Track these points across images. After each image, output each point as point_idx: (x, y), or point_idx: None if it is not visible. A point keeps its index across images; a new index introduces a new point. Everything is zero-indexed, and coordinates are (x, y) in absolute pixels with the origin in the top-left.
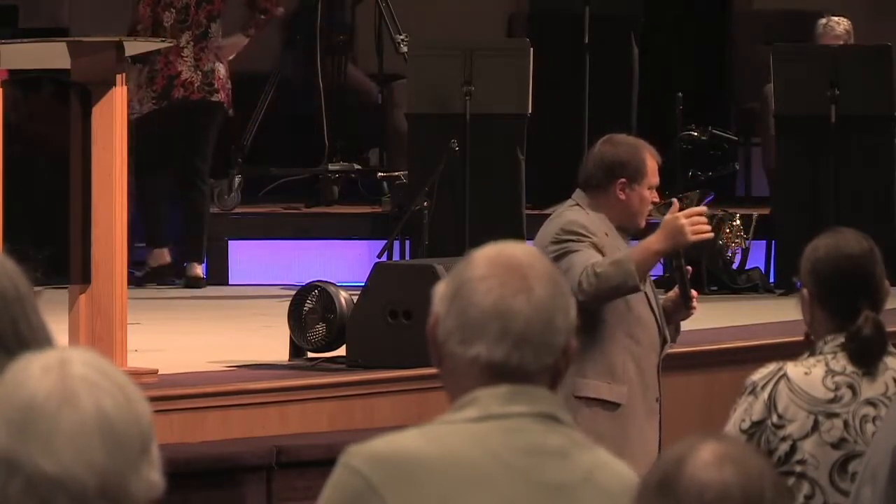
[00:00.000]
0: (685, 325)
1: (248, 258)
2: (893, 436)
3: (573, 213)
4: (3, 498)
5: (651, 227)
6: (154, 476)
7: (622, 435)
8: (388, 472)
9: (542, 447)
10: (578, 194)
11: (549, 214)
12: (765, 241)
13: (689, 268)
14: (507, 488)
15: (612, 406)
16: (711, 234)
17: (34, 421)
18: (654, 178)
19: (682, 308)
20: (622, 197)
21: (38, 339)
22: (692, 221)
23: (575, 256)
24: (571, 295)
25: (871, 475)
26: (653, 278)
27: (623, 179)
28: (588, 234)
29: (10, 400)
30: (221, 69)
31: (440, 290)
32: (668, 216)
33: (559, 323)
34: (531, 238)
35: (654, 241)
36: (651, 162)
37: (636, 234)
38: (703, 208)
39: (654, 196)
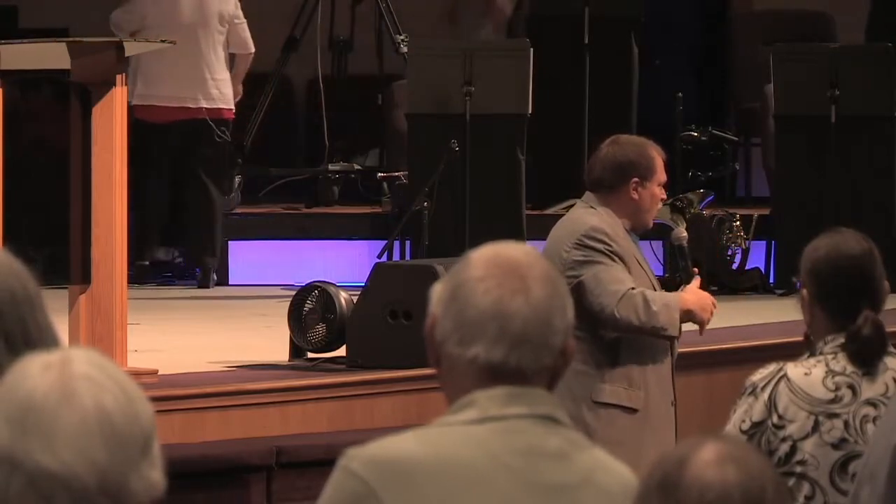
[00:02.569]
0: (687, 325)
1: (248, 258)
2: (891, 435)
3: (592, 217)
4: (4, 495)
5: (657, 227)
6: (155, 475)
7: (638, 440)
8: (386, 475)
9: (540, 449)
10: (590, 196)
11: (549, 214)
12: (765, 242)
13: (696, 270)
14: (507, 490)
15: (629, 411)
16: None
17: (33, 418)
18: (662, 174)
19: None
20: (635, 196)
21: (45, 339)
22: (711, 308)
23: (604, 270)
24: (569, 296)
25: (869, 474)
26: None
27: (636, 179)
28: (611, 242)
29: (10, 398)
30: None
31: (438, 291)
32: (693, 286)
33: (557, 323)
34: (532, 238)
35: (688, 300)
36: (658, 159)
37: (643, 234)
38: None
39: (661, 193)
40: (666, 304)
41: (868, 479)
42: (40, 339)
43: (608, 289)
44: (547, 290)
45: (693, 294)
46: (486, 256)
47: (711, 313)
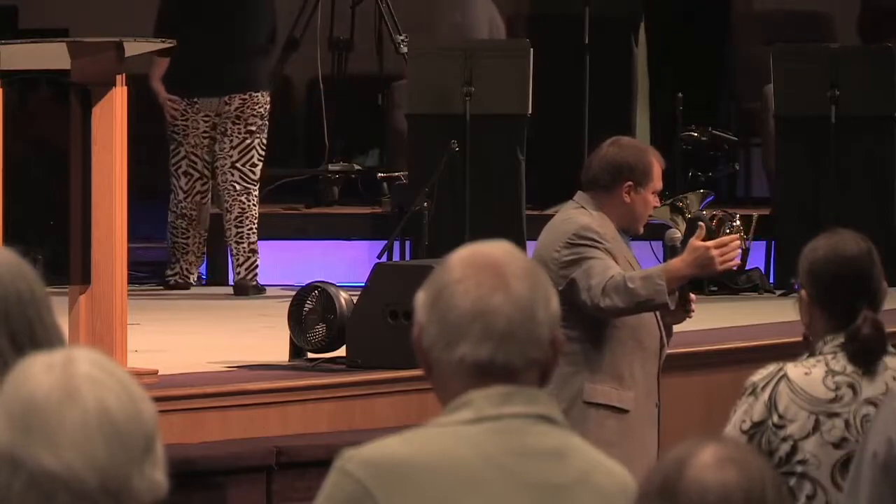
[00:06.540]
0: (686, 325)
1: None
2: (887, 428)
3: (583, 216)
4: (6, 495)
5: (650, 228)
6: (158, 475)
7: (627, 441)
8: (383, 476)
9: (536, 448)
10: (581, 196)
11: (550, 215)
12: (765, 242)
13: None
14: (502, 490)
15: (619, 412)
16: (738, 263)
17: (36, 417)
18: (658, 182)
19: (680, 311)
20: (627, 200)
21: (51, 339)
22: (721, 252)
23: (594, 264)
24: (552, 287)
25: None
26: None
27: (630, 183)
28: (601, 240)
29: (12, 397)
30: None
31: (420, 298)
32: (696, 242)
33: (541, 316)
34: (532, 238)
35: (681, 267)
36: (657, 166)
37: (634, 236)
38: (734, 236)
39: (655, 201)
40: (645, 277)
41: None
42: (46, 339)
43: (593, 282)
44: (527, 284)
45: (688, 254)
46: (463, 257)
47: (721, 258)
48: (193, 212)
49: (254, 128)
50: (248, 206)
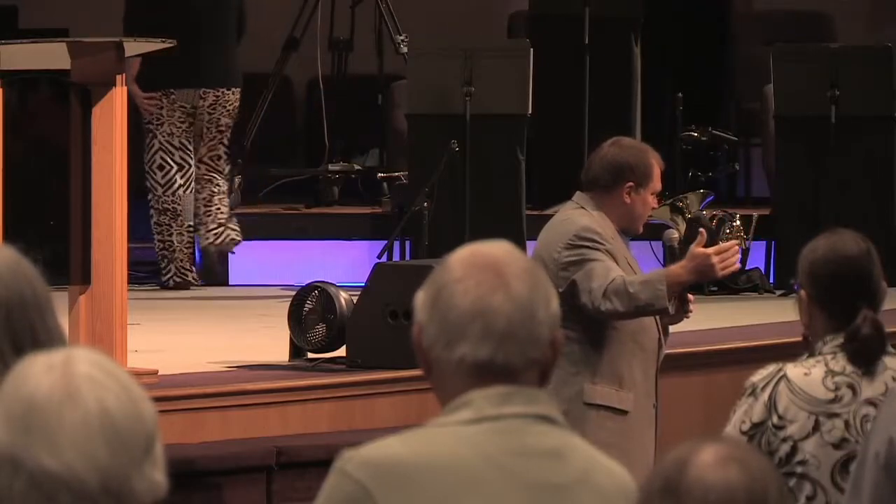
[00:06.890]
0: (686, 325)
1: (248, 258)
2: (889, 426)
3: (583, 217)
4: (7, 495)
5: (650, 228)
6: (158, 476)
7: (627, 442)
8: (383, 476)
9: (536, 448)
10: (581, 196)
11: (550, 215)
12: (765, 242)
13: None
14: (502, 490)
15: (619, 413)
16: (738, 267)
17: (36, 418)
18: (657, 183)
19: (679, 312)
20: (627, 200)
21: (52, 341)
22: (721, 258)
23: (595, 266)
24: (552, 287)
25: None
26: None
27: (630, 183)
28: (602, 241)
29: (13, 398)
30: None
31: (420, 298)
32: (696, 249)
33: (541, 316)
34: (532, 238)
35: (681, 273)
36: (656, 168)
37: (634, 236)
38: (734, 242)
39: (654, 202)
40: (646, 282)
41: (872, 458)
42: (48, 340)
43: (594, 285)
44: (527, 284)
45: (688, 260)
46: (463, 257)
47: (721, 265)
48: (177, 205)
49: (224, 128)
50: (218, 189)
